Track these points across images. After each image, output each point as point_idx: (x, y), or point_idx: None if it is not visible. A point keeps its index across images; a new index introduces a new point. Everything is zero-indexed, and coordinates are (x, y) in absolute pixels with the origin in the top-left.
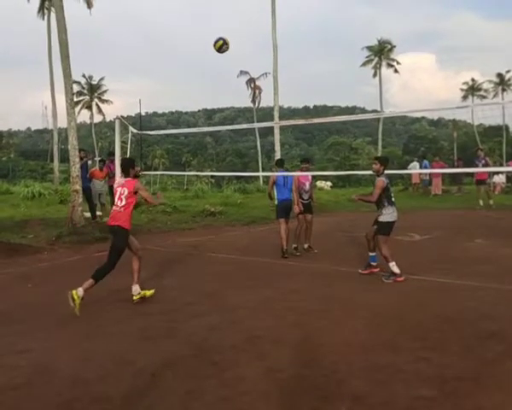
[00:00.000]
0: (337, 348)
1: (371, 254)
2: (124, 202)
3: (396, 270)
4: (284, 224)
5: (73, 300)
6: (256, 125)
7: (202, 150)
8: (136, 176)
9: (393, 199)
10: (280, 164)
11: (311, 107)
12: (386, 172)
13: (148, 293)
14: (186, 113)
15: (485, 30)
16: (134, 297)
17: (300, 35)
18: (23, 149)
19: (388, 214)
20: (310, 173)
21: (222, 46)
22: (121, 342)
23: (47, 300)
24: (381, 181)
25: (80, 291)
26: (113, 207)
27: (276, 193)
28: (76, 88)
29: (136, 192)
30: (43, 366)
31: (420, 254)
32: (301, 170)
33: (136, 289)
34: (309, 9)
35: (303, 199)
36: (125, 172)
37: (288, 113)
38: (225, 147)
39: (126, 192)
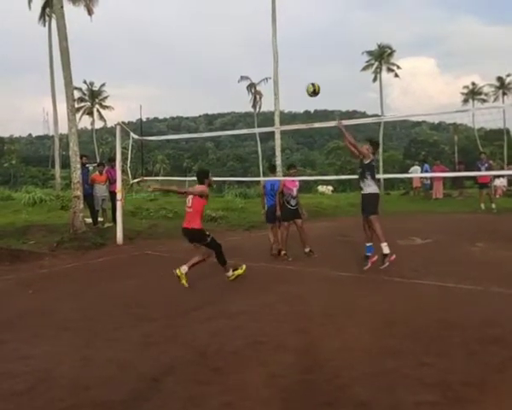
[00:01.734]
0: (340, 354)
1: (368, 244)
2: (191, 206)
3: (386, 250)
4: (275, 228)
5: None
6: (256, 130)
7: (203, 155)
8: (209, 185)
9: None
10: (272, 169)
11: (312, 111)
12: (388, 175)
13: (184, 279)
14: (187, 118)
15: (485, 34)
16: (177, 271)
17: (301, 39)
18: (24, 156)
19: (371, 186)
20: (307, 178)
21: (312, 94)
22: (123, 348)
23: (48, 306)
24: (367, 149)
25: (229, 273)
26: (186, 209)
27: (265, 199)
28: (77, 94)
29: (202, 196)
30: (45, 372)
31: (421, 259)
32: (290, 175)
33: (184, 268)
34: (310, 14)
35: (291, 205)
36: (200, 181)
37: (288, 117)
38: (226, 152)
39: (192, 198)
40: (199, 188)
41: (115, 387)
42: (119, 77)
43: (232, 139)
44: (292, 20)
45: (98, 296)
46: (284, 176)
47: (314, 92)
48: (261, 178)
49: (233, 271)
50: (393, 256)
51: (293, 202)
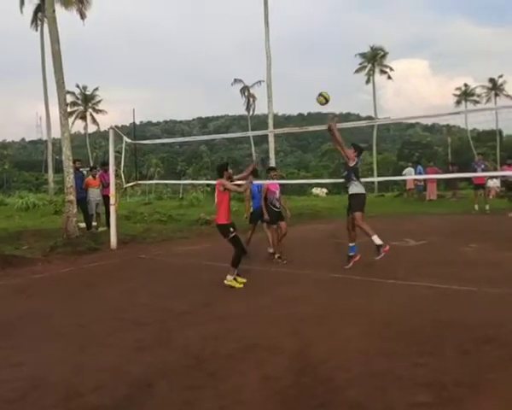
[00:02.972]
0: (334, 356)
1: (351, 244)
2: (216, 201)
3: (378, 241)
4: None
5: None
6: (250, 133)
7: (197, 159)
8: (229, 178)
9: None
10: (255, 174)
11: (306, 114)
12: (382, 178)
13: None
14: (181, 121)
15: (477, 36)
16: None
17: (294, 42)
18: (17, 160)
19: (357, 187)
20: (304, 181)
21: (325, 104)
22: (116, 353)
23: (41, 312)
24: (352, 152)
25: (229, 277)
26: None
27: (252, 202)
28: (70, 98)
29: (225, 189)
30: (37, 378)
31: (415, 260)
32: (272, 178)
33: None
34: (302, 17)
35: (276, 207)
36: (219, 175)
37: (282, 120)
38: (220, 155)
39: (216, 192)
40: (218, 181)
41: (108, 393)
42: (112, 81)
43: (226, 142)
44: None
45: (91, 302)
46: (265, 179)
47: (326, 102)
48: (254, 181)
49: (233, 278)
50: (387, 247)
51: (277, 204)
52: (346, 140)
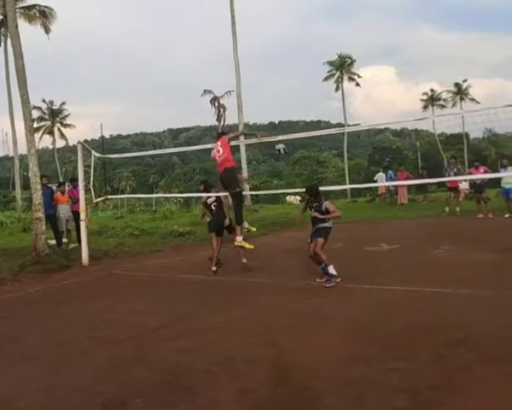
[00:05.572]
0: (311, 365)
1: (321, 266)
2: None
3: (334, 272)
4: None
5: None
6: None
7: (169, 170)
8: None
9: None
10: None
11: (277, 122)
12: (354, 186)
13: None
14: (151, 134)
15: (440, 41)
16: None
17: (264, 52)
18: None
19: (329, 221)
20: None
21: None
22: (89, 373)
23: (11, 333)
24: (329, 203)
25: (240, 238)
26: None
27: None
28: (36, 114)
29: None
30: (7, 402)
31: (389, 264)
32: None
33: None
34: (271, 27)
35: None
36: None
37: (253, 129)
38: (192, 166)
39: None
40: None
41: None
42: (80, 95)
43: (198, 153)
44: (254, 33)
45: (63, 321)
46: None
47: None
48: (216, 194)
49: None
50: (339, 279)
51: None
52: (317, 147)
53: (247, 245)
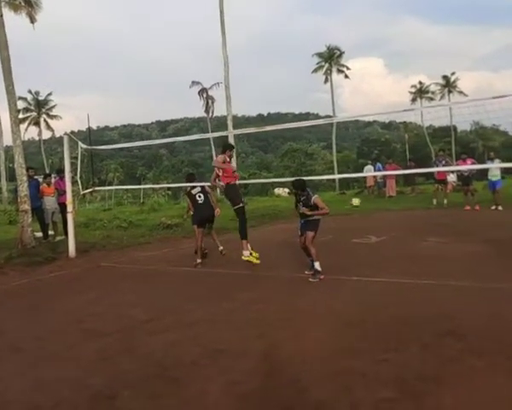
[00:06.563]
0: (299, 357)
1: (310, 258)
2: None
3: (319, 268)
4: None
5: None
6: (210, 135)
7: (157, 162)
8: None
9: None
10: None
11: (266, 114)
12: (343, 175)
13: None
14: (139, 125)
15: (428, 34)
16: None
17: (252, 44)
18: None
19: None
20: (266, 180)
21: None
22: (77, 366)
23: None
24: (318, 197)
25: (247, 253)
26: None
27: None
28: (22, 104)
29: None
30: None
31: (377, 256)
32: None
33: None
34: (260, 19)
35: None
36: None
37: (242, 121)
38: (180, 158)
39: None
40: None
41: (69, 408)
42: (67, 86)
43: (186, 145)
44: (243, 24)
45: (50, 314)
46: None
47: None
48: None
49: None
50: (323, 276)
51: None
52: (306, 139)
53: (255, 260)
